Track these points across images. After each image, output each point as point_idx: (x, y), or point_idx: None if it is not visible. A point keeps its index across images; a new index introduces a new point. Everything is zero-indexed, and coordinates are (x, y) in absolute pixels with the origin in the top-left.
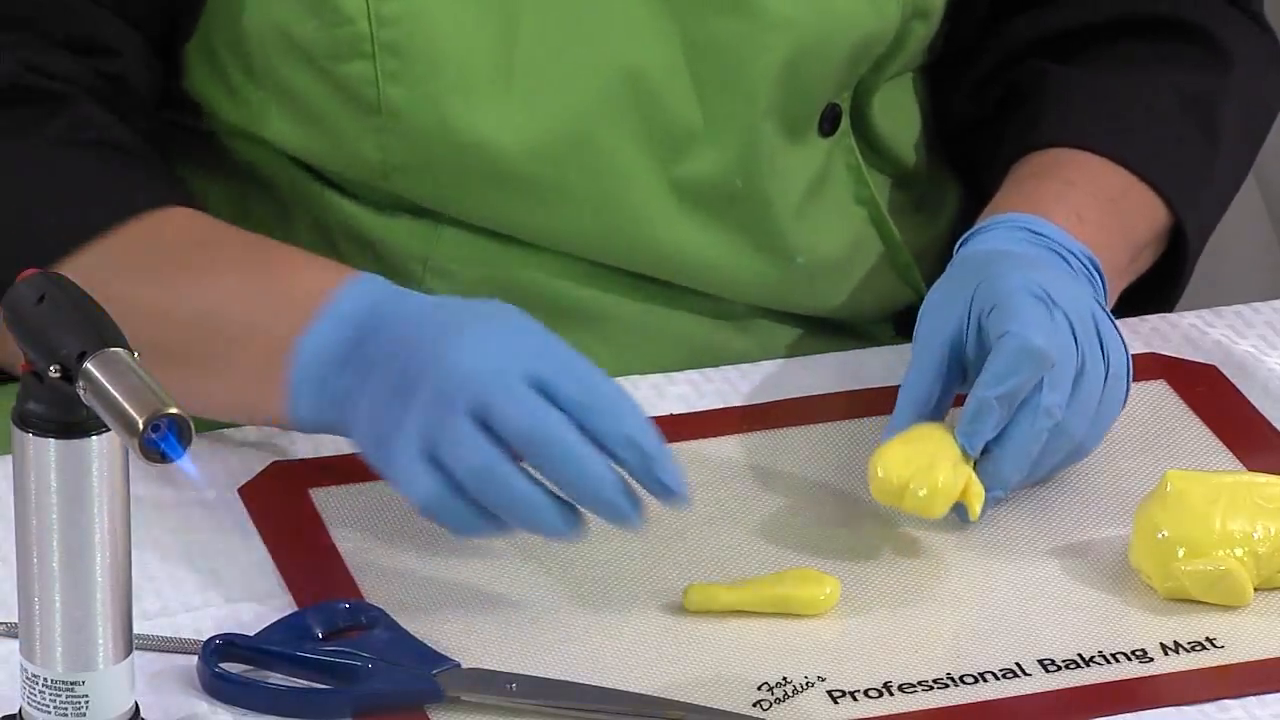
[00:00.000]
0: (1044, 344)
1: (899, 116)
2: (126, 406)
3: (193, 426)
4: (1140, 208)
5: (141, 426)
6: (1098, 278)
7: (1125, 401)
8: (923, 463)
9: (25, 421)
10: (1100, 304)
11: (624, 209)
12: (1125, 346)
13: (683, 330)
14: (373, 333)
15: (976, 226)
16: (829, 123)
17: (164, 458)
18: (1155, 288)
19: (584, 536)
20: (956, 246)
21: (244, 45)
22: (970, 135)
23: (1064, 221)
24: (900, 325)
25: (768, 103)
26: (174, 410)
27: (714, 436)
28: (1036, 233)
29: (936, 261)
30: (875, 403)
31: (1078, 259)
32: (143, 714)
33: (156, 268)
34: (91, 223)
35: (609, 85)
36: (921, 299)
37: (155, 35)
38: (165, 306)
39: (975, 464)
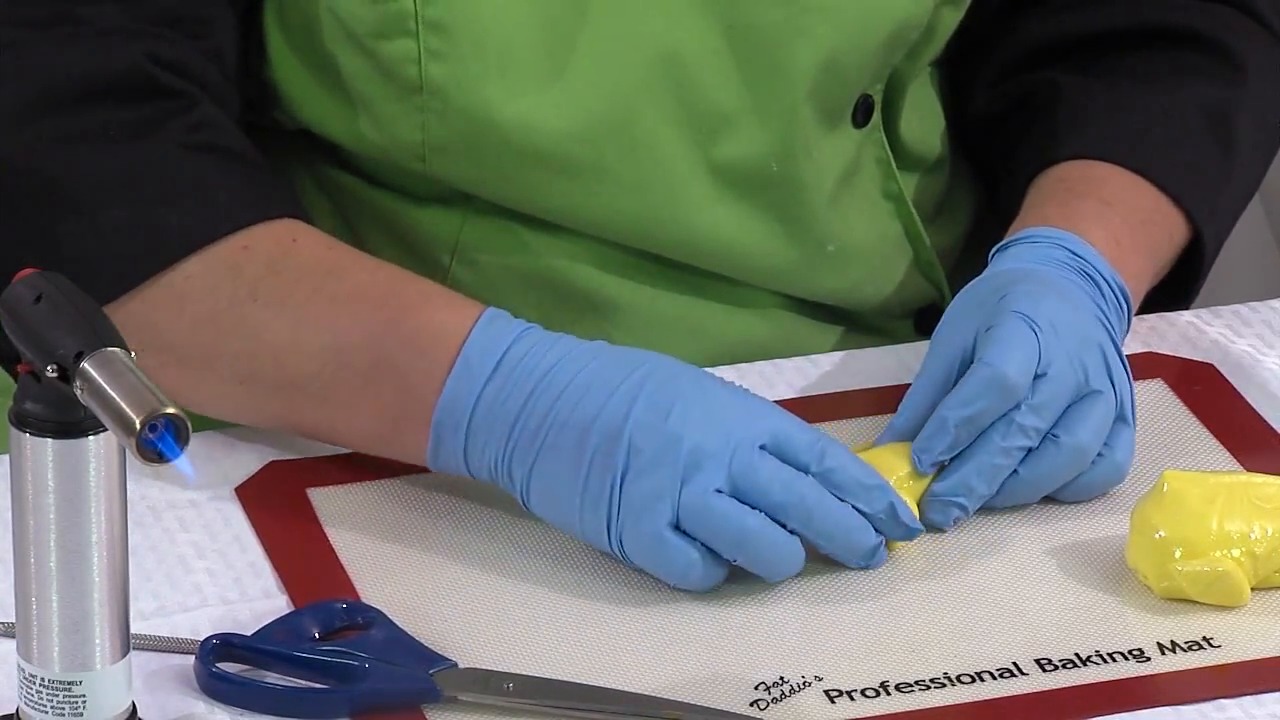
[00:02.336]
0: (1015, 376)
1: (924, 116)
2: (124, 406)
3: (190, 426)
4: (1165, 226)
5: (139, 426)
6: (1124, 307)
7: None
8: None
9: (23, 421)
10: (1114, 340)
11: (661, 192)
12: (1131, 386)
13: (706, 320)
14: (531, 384)
15: (1015, 235)
16: (862, 114)
17: (161, 458)
18: (1165, 297)
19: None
20: (992, 253)
21: (292, 27)
22: (984, 137)
23: (1103, 246)
24: (920, 323)
25: (807, 88)
26: (171, 410)
27: None
28: (1075, 253)
29: (956, 263)
30: (889, 401)
31: (1110, 288)
32: (140, 714)
33: (283, 293)
34: (209, 226)
35: (649, 68)
36: (942, 296)
37: (242, 11)
38: (293, 337)
39: (941, 474)
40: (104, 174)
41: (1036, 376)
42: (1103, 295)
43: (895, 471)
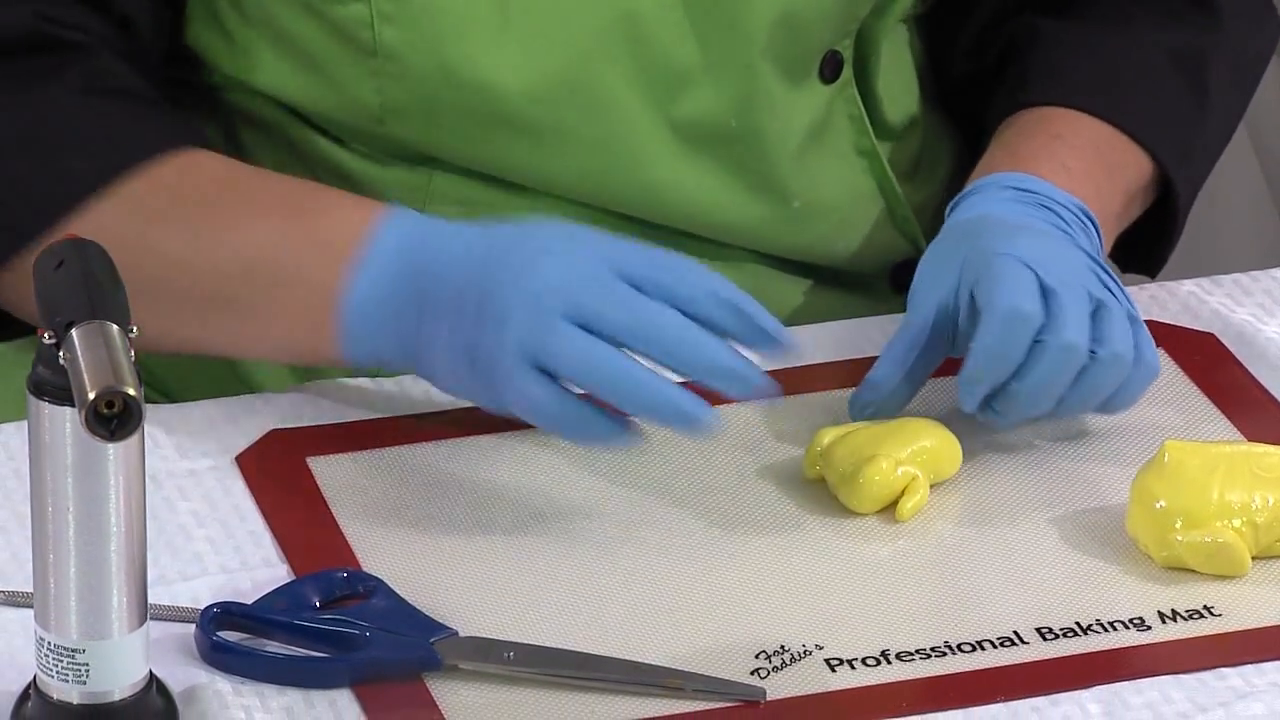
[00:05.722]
0: (1029, 307)
1: (899, 72)
2: (84, 378)
3: (142, 410)
4: (1127, 156)
5: (90, 399)
6: (1090, 225)
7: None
8: (864, 455)
9: (40, 389)
10: (1093, 255)
11: (622, 150)
12: (1124, 290)
13: None
14: (427, 267)
15: (965, 189)
16: (830, 70)
17: (111, 436)
18: (1148, 243)
19: (710, 419)
20: (948, 210)
21: None
22: (970, 90)
23: (1050, 174)
24: (896, 279)
25: (764, 44)
26: (129, 390)
27: (713, 406)
28: (1023, 189)
29: (932, 219)
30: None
31: (1068, 209)
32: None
33: (186, 214)
34: (111, 166)
35: (605, 26)
36: (918, 251)
37: None
38: (198, 253)
39: (998, 393)
40: (3, 128)
41: (1046, 295)
42: (1063, 220)
43: (892, 454)
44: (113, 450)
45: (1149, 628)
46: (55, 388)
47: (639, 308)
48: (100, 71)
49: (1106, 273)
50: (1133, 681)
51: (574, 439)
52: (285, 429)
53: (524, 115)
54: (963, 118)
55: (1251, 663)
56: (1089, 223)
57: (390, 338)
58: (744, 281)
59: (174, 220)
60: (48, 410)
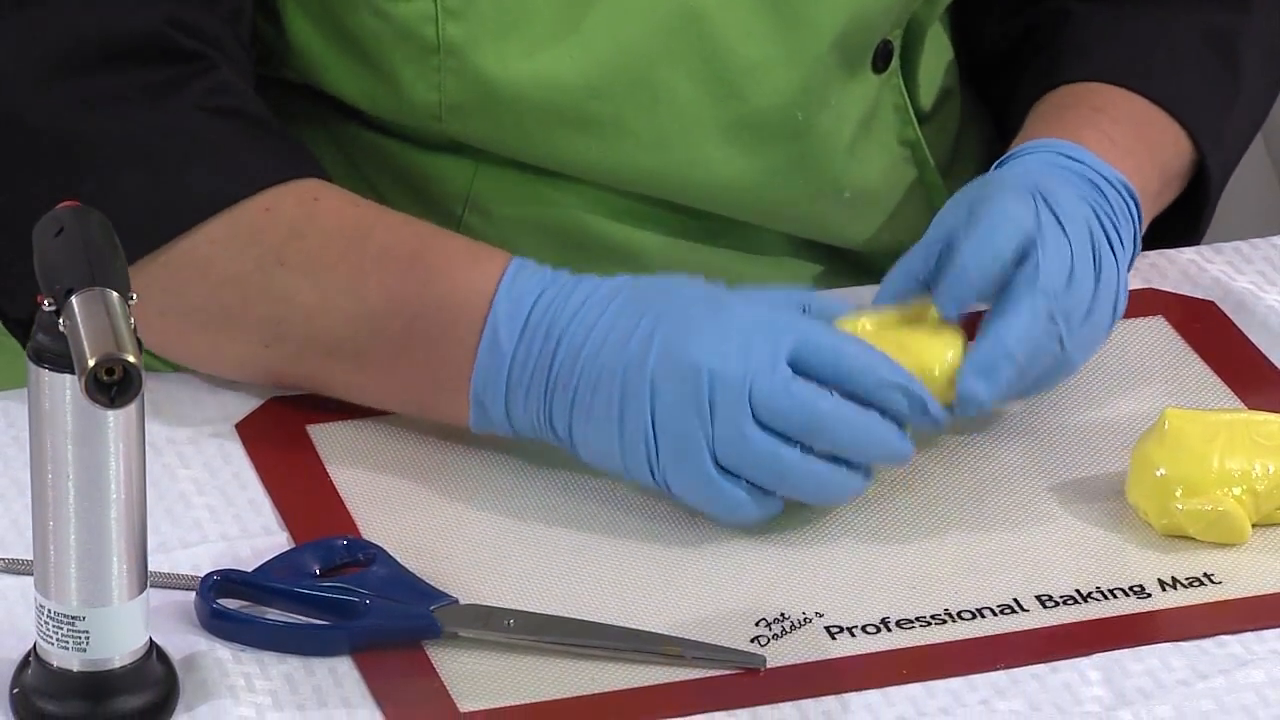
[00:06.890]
0: (1025, 214)
1: (939, 60)
2: (84, 345)
3: (141, 377)
4: (1165, 135)
5: (90, 365)
6: (1132, 203)
7: (1112, 324)
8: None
9: (40, 356)
10: (1101, 220)
11: (680, 145)
12: (1119, 269)
13: (714, 265)
14: (550, 333)
15: (1010, 152)
16: (882, 59)
17: (110, 404)
18: (1177, 227)
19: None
20: (993, 169)
21: None
22: (998, 75)
23: (1096, 144)
24: None
25: (833, 35)
26: (128, 357)
27: None
28: (1071, 158)
29: None
30: None
31: (1113, 186)
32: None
33: (309, 257)
34: (230, 189)
35: (668, 22)
36: None
37: None
38: (324, 302)
39: (976, 340)
40: (124, 137)
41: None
42: (1104, 196)
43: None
44: (112, 417)
45: (1149, 595)
46: (55, 355)
47: (816, 405)
48: (221, 88)
49: (1106, 237)
50: (1133, 649)
51: (747, 524)
52: (285, 396)
53: (583, 110)
54: (991, 103)
55: (1251, 630)
56: (1129, 203)
57: (519, 414)
58: (786, 273)
59: (295, 263)
60: (47, 377)
